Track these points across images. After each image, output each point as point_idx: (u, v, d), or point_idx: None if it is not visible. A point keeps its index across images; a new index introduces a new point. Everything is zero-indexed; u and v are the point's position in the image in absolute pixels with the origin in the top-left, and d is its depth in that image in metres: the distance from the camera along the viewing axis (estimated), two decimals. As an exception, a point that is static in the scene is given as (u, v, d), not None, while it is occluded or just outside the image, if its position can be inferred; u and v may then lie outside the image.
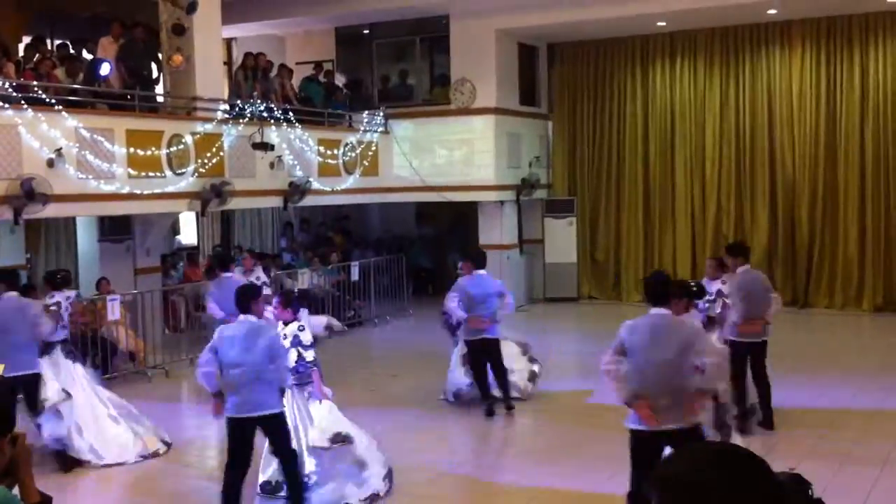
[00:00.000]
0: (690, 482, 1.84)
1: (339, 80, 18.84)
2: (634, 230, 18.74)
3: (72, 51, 14.30)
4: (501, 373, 10.29)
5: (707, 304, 9.24)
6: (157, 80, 14.47)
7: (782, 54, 17.38)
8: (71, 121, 11.79)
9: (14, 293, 8.74)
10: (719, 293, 9.33)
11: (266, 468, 7.29)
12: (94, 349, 11.77)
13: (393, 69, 19.29)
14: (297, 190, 15.15)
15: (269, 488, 7.24)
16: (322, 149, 16.03)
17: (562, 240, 18.83)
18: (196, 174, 13.43)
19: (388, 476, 7.59)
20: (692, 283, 8.01)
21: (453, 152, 17.79)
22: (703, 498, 1.81)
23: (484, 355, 10.20)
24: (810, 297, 17.20)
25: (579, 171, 19.20)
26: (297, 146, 15.38)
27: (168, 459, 8.86)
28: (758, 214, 17.62)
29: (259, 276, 12.77)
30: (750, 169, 17.71)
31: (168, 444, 9.08)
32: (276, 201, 15.34)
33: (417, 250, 20.35)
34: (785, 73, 17.36)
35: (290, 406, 7.27)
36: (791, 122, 17.33)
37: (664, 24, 17.47)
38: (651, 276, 6.78)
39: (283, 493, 7.18)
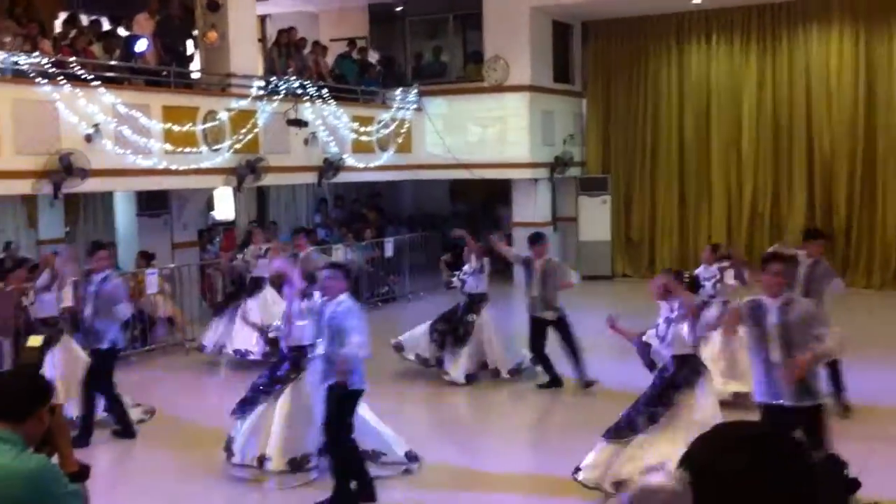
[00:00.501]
0: (719, 463, 1.83)
1: (373, 56, 18.84)
2: (669, 209, 18.63)
3: (108, 27, 14.42)
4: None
5: (714, 288, 9.48)
6: (192, 57, 14.57)
7: (820, 31, 17.14)
8: (108, 96, 11.91)
9: None
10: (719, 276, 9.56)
11: (291, 444, 7.37)
12: (133, 322, 11.94)
13: (426, 46, 19.25)
14: (331, 166, 15.22)
15: (295, 463, 7.35)
16: (356, 125, 16.08)
17: (596, 218, 18.76)
18: (231, 150, 13.54)
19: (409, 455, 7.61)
20: (685, 274, 8.17)
21: (486, 130, 17.75)
22: (733, 478, 1.81)
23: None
24: (848, 276, 16.99)
25: (613, 148, 19.09)
26: (331, 123, 15.44)
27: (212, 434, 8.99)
28: (795, 194, 17.45)
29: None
30: (787, 148, 17.53)
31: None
32: (310, 177, 15.43)
33: (451, 227, 20.32)
34: (822, 50, 17.13)
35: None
36: (829, 100, 17.11)
37: (700, 1, 17.28)
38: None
39: (310, 465, 7.29)
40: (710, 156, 18.17)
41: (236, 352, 11.48)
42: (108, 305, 8.53)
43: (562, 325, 10.25)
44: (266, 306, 11.36)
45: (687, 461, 1.88)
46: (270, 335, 8.27)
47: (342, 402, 6.80)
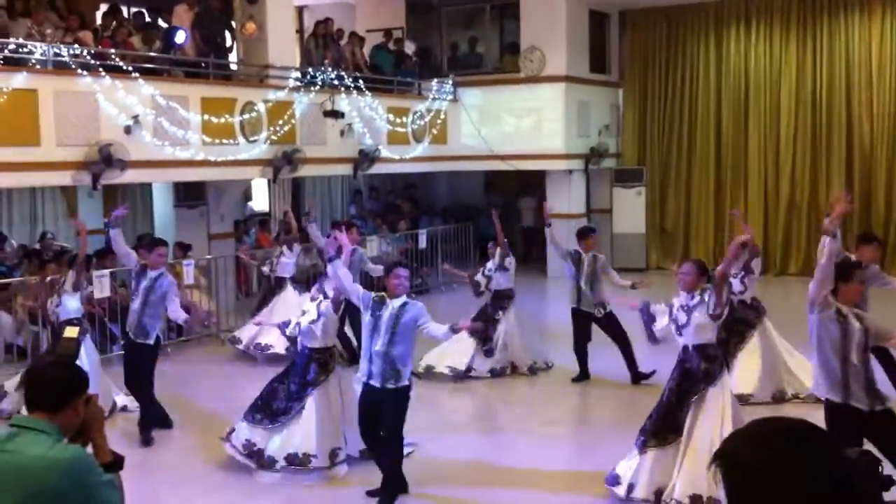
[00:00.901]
0: (752, 457, 1.82)
1: (409, 47, 18.84)
2: (705, 200, 18.48)
3: (147, 19, 14.55)
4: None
5: (742, 284, 9.31)
6: (230, 49, 14.66)
7: (861, 19, 16.90)
8: (147, 88, 12.03)
9: None
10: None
11: (292, 439, 7.43)
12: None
13: (462, 37, 19.22)
14: (366, 158, 15.26)
15: (297, 461, 7.39)
16: (391, 117, 16.10)
17: (630, 209, 18.66)
18: (268, 141, 13.61)
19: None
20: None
21: (522, 121, 17.70)
22: (765, 473, 1.79)
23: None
24: (886, 269, 16.73)
25: (649, 139, 18.96)
26: (366, 114, 15.47)
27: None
28: (833, 185, 17.21)
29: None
30: (826, 138, 17.31)
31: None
32: (345, 169, 15.48)
33: (485, 219, 20.34)
34: (864, 38, 16.88)
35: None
36: (870, 89, 16.88)
37: (739, -11, 17.12)
38: None
39: (313, 464, 7.34)
40: (748, 146, 18.00)
41: (257, 346, 11.61)
42: (159, 303, 8.61)
43: (611, 321, 10.23)
44: (287, 305, 11.40)
45: (721, 456, 1.87)
46: (287, 333, 8.26)
47: (404, 399, 6.91)
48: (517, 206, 19.86)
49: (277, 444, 7.46)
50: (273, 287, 12.06)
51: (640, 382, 10.07)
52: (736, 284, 9.25)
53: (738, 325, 9.13)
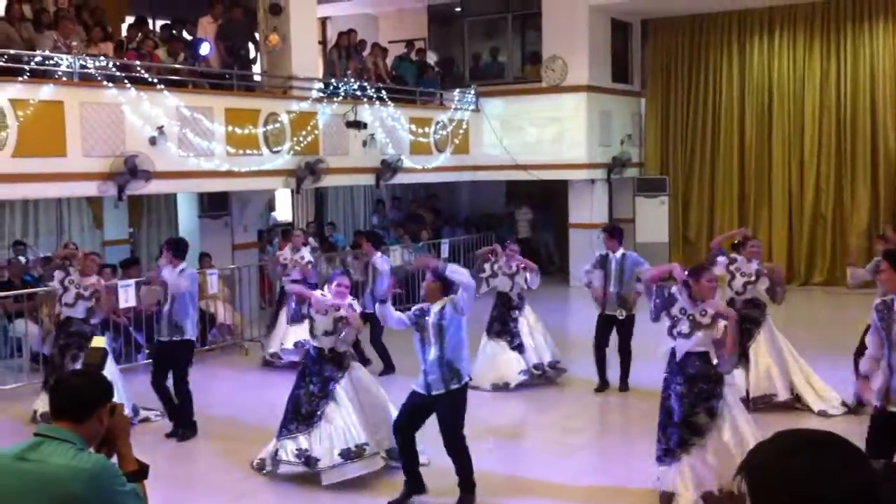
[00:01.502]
0: (777, 468, 1.81)
1: (431, 58, 18.91)
2: (729, 210, 18.38)
3: (173, 31, 14.68)
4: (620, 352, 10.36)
5: (744, 288, 9.28)
6: (254, 60, 14.77)
7: (886, 29, 16.78)
8: (172, 99, 12.14)
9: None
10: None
11: (339, 436, 7.42)
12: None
13: (484, 47, 19.26)
14: (388, 168, 15.31)
15: (351, 454, 7.38)
16: (413, 127, 16.15)
17: (653, 219, 18.59)
18: (291, 152, 13.69)
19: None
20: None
21: (544, 130, 17.70)
22: (790, 484, 1.78)
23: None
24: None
25: (672, 149, 18.90)
26: (389, 124, 15.53)
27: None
28: (858, 196, 17.10)
29: (304, 255, 12.13)
30: (851, 148, 17.18)
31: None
32: (368, 179, 15.53)
33: (507, 229, 20.35)
34: (889, 48, 16.76)
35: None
36: (895, 98, 16.73)
37: (763, -3, 17.05)
38: None
39: (368, 452, 7.35)
40: (771, 155, 17.89)
41: (273, 354, 11.74)
42: (182, 296, 8.72)
43: (627, 326, 10.20)
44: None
45: (746, 466, 1.87)
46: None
47: (462, 401, 6.95)
48: (514, 217, 19.83)
49: (326, 445, 7.42)
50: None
51: (605, 390, 10.24)
52: (738, 283, 9.29)
53: (745, 323, 9.07)
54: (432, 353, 6.84)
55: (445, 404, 6.86)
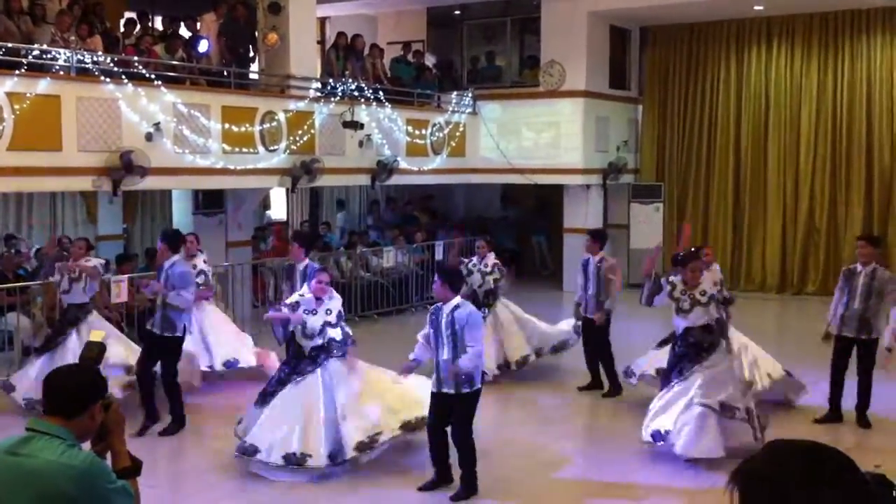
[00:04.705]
0: (771, 476, 1.82)
1: (429, 60, 18.91)
2: (723, 218, 18.41)
3: (171, 27, 14.66)
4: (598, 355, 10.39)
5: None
6: (253, 58, 14.76)
7: (884, 42, 16.82)
8: (169, 96, 12.12)
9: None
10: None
11: (287, 438, 7.44)
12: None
13: (482, 50, 19.27)
14: (384, 169, 15.31)
15: (294, 459, 7.40)
16: (410, 128, 16.15)
17: (648, 225, 18.60)
18: (287, 151, 13.68)
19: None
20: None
21: (541, 135, 17.72)
22: (783, 493, 1.80)
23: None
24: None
25: (668, 156, 18.93)
26: (385, 125, 15.53)
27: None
28: (852, 207, 17.13)
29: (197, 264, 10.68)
30: (846, 160, 17.22)
31: None
32: (364, 179, 15.53)
33: (501, 232, 20.35)
34: (886, 61, 16.81)
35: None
36: (891, 112, 16.80)
37: (761, 7, 17.07)
38: None
39: (310, 464, 7.35)
40: (767, 164, 17.93)
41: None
42: (176, 290, 8.65)
43: (603, 329, 10.21)
44: None
45: (737, 474, 1.88)
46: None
47: (472, 403, 6.98)
48: (509, 221, 19.85)
49: (268, 438, 7.46)
50: None
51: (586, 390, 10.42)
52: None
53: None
54: (445, 352, 6.89)
55: (457, 402, 6.93)
